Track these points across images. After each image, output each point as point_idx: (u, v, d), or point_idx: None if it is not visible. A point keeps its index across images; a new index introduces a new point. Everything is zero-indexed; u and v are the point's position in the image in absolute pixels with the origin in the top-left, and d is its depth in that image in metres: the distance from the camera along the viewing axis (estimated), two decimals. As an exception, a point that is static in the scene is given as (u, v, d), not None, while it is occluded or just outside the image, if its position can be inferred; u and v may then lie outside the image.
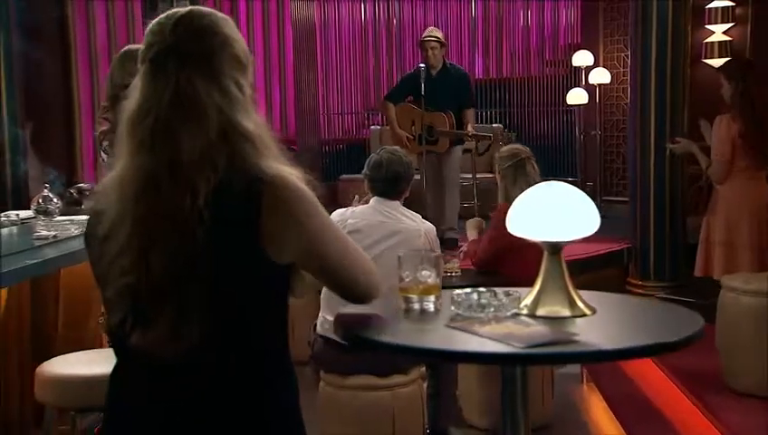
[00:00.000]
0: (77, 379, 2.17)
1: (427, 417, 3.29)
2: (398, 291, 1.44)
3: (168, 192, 1.26)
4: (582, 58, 8.02)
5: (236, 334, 1.28)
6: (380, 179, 3.28)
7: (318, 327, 3.29)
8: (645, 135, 5.77)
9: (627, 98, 7.99)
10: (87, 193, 3.91)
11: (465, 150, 6.30)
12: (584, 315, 1.33)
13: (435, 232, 3.33)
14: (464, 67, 7.32)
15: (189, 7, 1.37)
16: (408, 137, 6.07)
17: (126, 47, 3.15)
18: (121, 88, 3.06)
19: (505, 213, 3.59)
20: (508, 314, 1.35)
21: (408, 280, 1.40)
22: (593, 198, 6.52)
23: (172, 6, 4.90)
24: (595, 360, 1.33)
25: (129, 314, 1.29)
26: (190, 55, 1.30)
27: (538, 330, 1.25)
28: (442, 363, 3.38)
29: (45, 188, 3.78)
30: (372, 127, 9.17)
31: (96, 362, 2.26)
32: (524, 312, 1.37)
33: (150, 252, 1.26)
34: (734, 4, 6.51)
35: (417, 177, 6.49)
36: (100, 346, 3.21)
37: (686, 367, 4.01)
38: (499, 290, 1.41)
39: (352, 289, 1.40)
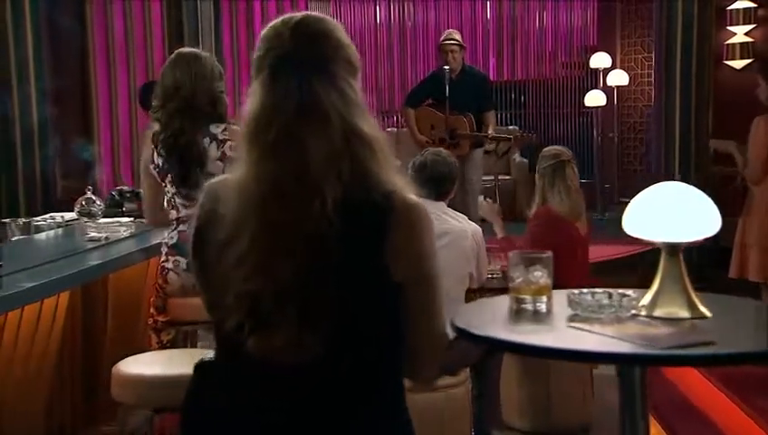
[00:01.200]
0: (156, 379, 2.18)
1: (471, 419, 3.29)
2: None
3: (296, 199, 1.25)
4: (600, 60, 8.04)
5: (354, 345, 1.28)
6: (424, 181, 3.28)
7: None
8: (669, 136, 5.80)
9: (645, 99, 8.01)
10: (128, 196, 3.93)
11: (486, 152, 6.32)
12: (703, 317, 1.33)
13: (481, 233, 3.34)
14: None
15: (304, 13, 1.37)
16: (426, 141, 6.08)
17: (179, 50, 3.15)
18: (173, 90, 3.09)
19: (545, 217, 3.66)
20: (627, 314, 1.35)
21: (518, 280, 1.41)
22: (610, 200, 6.55)
23: (196, 5, 4.92)
24: (738, 362, 1.30)
25: (248, 319, 1.28)
26: (309, 61, 1.30)
27: (671, 332, 1.26)
28: (487, 365, 3.38)
29: (88, 190, 3.80)
30: (388, 129, 9.19)
31: (172, 363, 2.28)
32: (643, 313, 1.38)
33: (276, 258, 1.25)
34: (756, 5, 6.53)
35: None
36: (149, 347, 3.22)
37: (725, 369, 4.01)
38: (613, 291, 1.42)
39: (433, 333, 1.34)
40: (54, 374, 2.76)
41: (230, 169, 1.36)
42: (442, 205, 3.30)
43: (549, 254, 1.42)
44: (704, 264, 5.59)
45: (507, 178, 7.92)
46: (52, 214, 3.70)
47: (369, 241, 1.26)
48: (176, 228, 3.07)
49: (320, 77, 1.30)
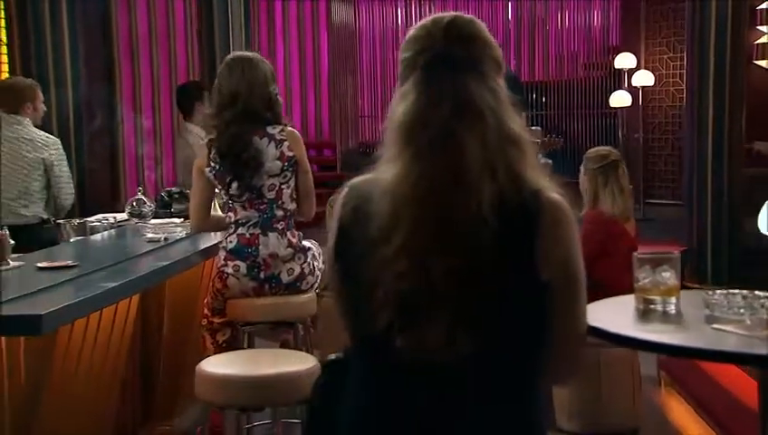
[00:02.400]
0: (243, 379, 2.19)
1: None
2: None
3: (453, 199, 1.26)
4: (625, 60, 8.03)
5: (502, 344, 1.29)
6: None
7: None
8: (702, 137, 5.78)
9: (670, 100, 8.01)
10: (176, 196, 3.93)
11: None
12: None
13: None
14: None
15: (453, 14, 1.38)
16: None
17: (232, 55, 3.15)
18: (229, 98, 3.08)
19: (597, 219, 3.65)
20: (766, 316, 1.35)
21: (646, 281, 1.41)
22: (636, 201, 6.52)
23: (227, 5, 4.91)
24: None
25: (399, 318, 1.28)
26: (463, 61, 1.32)
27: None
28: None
29: (139, 190, 3.81)
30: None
31: (258, 363, 2.29)
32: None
33: (430, 257, 1.25)
34: (786, 5, 6.53)
35: None
36: (204, 349, 3.23)
37: None
38: (748, 292, 1.41)
39: (575, 333, 1.34)
40: (124, 374, 2.77)
41: (377, 168, 1.35)
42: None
43: (677, 254, 1.42)
44: (738, 265, 5.61)
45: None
46: (104, 215, 3.70)
47: (520, 240, 1.26)
48: (234, 232, 3.07)
49: (473, 77, 1.31)
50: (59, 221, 3.42)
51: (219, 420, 3.27)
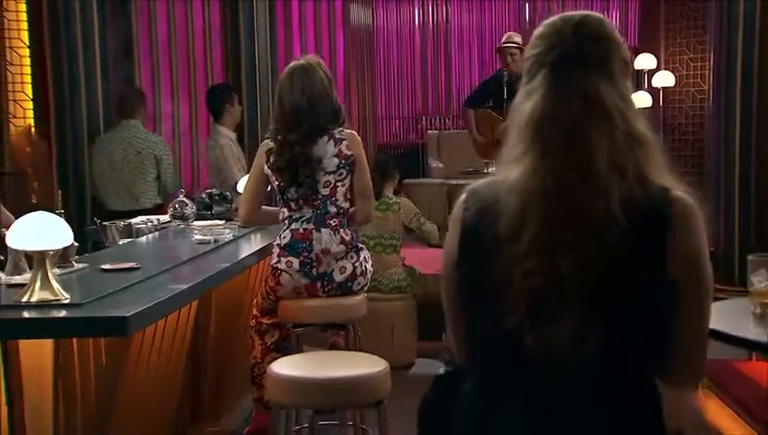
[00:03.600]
0: (316, 382, 2.19)
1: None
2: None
3: (582, 196, 1.26)
4: (645, 61, 8.02)
5: (628, 344, 1.28)
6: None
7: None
8: (729, 137, 5.77)
9: (690, 101, 8.00)
10: (216, 198, 3.93)
11: None
12: None
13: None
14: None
15: (584, 12, 1.37)
16: (482, 141, 6.10)
17: (292, 65, 3.13)
18: (293, 116, 3.03)
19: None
20: None
21: (762, 285, 1.40)
22: None
23: (252, 6, 4.92)
24: None
25: (528, 315, 1.27)
26: (592, 60, 1.31)
27: None
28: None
29: (181, 193, 3.81)
30: (429, 131, 9.19)
31: (328, 366, 2.29)
32: None
33: (559, 255, 1.25)
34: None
35: (451, 181, 6.64)
36: (251, 350, 3.22)
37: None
38: None
39: (700, 334, 1.32)
40: (183, 376, 2.76)
41: (500, 168, 1.35)
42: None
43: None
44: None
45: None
46: (148, 217, 3.70)
47: (650, 238, 1.26)
48: (288, 227, 3.08)
49: (602, 76, 1.31)
50: (104, 223, 3.41)
51: (266, 419, 3.28)
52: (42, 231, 1.97)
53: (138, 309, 1.91)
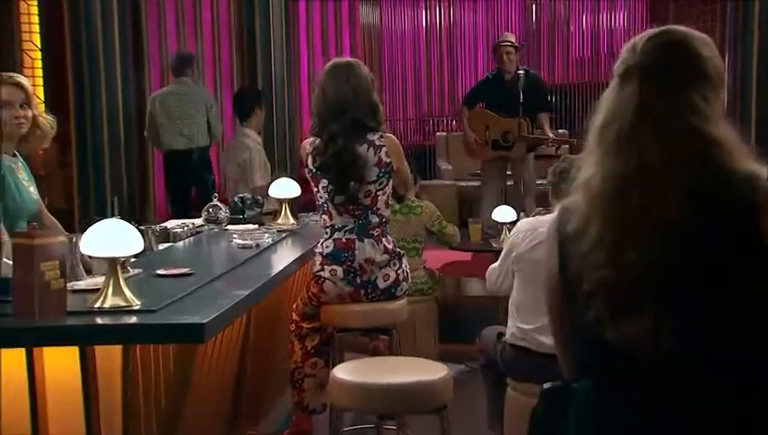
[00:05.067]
0: (380, 387, 2.21)
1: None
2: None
3: (638, 194, 1.32)
4: (654, 63, 8.09)
5: (709, 338, 1.30)
6: (569, 187, 3.30)
7: (507, 335, 3.30)
8: (744, 139, 5.82)
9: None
10: (248, 203, 3.94)
11: (538, 156, 6.33)
12: None
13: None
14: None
15: (665, 27, 1.42)
16: (476, 140, 6.10)
17: (334, 62, 3.15)
18: (336, 110, 3.03)
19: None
20: None
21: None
22: None
23: (269, 10, 4.92)
24: None
25: (605, 308, 1.32)
26: (656, 70, 1.36)
27: None
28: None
29: (214, 197, 3.82)
30: (438, 133, 9.21)
31: (391, 371, 2.31)
32: None
33: (624, 248, 1.31)
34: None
35: (477, 183, 6.66)
36: (291, 354, 3.24)
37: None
38: None
39: None
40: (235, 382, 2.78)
41: (577, 175, 1.41)
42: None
43: None
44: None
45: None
46: (183, 221, 3.71)
47: (733, 227, 1.29)
48: (330, 236, 3.08)
49: (666, 86, 1.36)
50: (140, 227, 3.41)
51: (305, 423, 3.30)
52: (113, 238, 1.99)
53: (213, 315, 1.92)
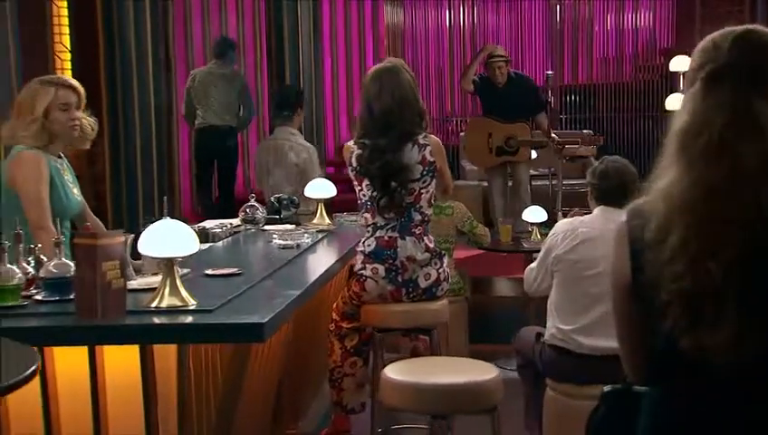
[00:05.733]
0: (432, 387, 2.22)
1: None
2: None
3: (730, 202, 1.28)
4: (681, 63, 8.02)
5: None
6: (608, 188, 3.29)
7: (546, 336, 3.30)
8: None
9: (725, 103, 8.00)
10: (285, 203, 3.96)
11: (571, 158, 6.38)
12: None
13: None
14: (549, 72, 7.41)
15: (746, 27, 1.37)
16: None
17: (377, 67, 3.16)
18: (382, 120, 3.00)
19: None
20: None
21: None
22: None
23: (297, 8, 4.94)
24: None
25: (682, 318, 1.29)
26: (747, 73, 1.32)
27: None
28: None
29: (251, 197, 3.85)
30: (461, 133, 9.20)
31: (441, 371, 2.32)
32: None
33: (708, 258, 1.27)
34: None
35: (485, 183, 6.70)
36: (331, 354, 3.25)
37: None
38: None
39: None
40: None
41: (653, 177, 1.39)
42: (623, 212, 3.31)
43: None
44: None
45: (582, 181, 7.90)
46: (221, 221, 3.74)
47: None
48: (372, 235, 3.10)
49: (758, 89, 1.31)
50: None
51: (344, 422, 3.32)
52: (170, 238, 2.01)
53: (271, 315, 1.94)
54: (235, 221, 3.74)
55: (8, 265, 1.97)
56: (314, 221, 3.74)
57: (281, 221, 3.84)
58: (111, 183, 5.25)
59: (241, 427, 2.22)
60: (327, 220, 3.77)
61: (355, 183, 3.12)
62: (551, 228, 3.75)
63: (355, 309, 3.17)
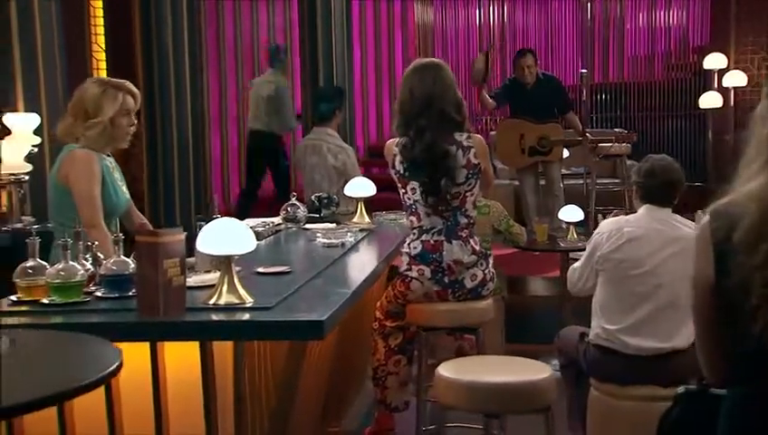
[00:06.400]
0: (488, 386, 2.22)
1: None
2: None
3: None
4: (715, 61, 7.95)
5: None
6: (654, 187, 3.26)
7: (591, 336, 3.28)
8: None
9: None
10: (325, 202, 3.98)
11: (604, 156, 6.37)
12: None
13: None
14: (583, 70, 7.36)
15: None
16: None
17: (421, 61, 3.16)
18: (425, 104, 3.04)
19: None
20: None
21: None
22: None
23: (331, 7, 4.93)
24: None
25: None
26: None
27: None
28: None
29: (293, 196, 3.86)
30: (491, 132, 9.18)
31: (497, 370, 2.31)
32: None
33: None
34: None
35: (515, 182, 6.69)
36: (374, 352, 3.26)
37: None
38: None
39: None
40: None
41: (736, 181, 1.38)
42: (669, 211, 3.28)
43: None
44: None
45: (616, 180, 7.88)
46: (263, 220, 3.75)
47: None
48: (418, 238, 3.09)
49: None
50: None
51: (388, 420, 3.32)
52: (227, 236, 2.02)
53: (329, 312, 1.95)
54: (277, 220, 3.76)
55: (71, 263, 2.00)
56: (354, 220, 3.75)
57: (321, 220, 3.85)
58: (149, 183, 5.29)
59: (295, 425, 2.23)
60: (367, 219, 3.78)
61: (399, 185, 3.10)
62: (585, 228, 3.74)
63: (400, 308, 3.16)
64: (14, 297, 2.04)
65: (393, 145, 3.11)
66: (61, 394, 1.18)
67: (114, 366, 1.32)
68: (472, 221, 3.11)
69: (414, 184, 3.04)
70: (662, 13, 9.33)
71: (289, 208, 3.74)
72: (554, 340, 3.52)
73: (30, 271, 2.01)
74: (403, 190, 3.10)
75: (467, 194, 3.07)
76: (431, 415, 3.17)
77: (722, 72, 7.88)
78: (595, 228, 3.35)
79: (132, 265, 2.09)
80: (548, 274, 5.71)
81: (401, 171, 3.07)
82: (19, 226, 3.61)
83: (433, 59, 3.20)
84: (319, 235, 3.31)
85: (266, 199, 6.92)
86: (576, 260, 5.29)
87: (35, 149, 3.74)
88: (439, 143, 2.99)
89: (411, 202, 3.09)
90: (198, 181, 5.49)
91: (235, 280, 2.04)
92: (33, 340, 1.58)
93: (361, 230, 3.58)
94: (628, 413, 3.12)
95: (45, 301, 1.99)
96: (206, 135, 7.40)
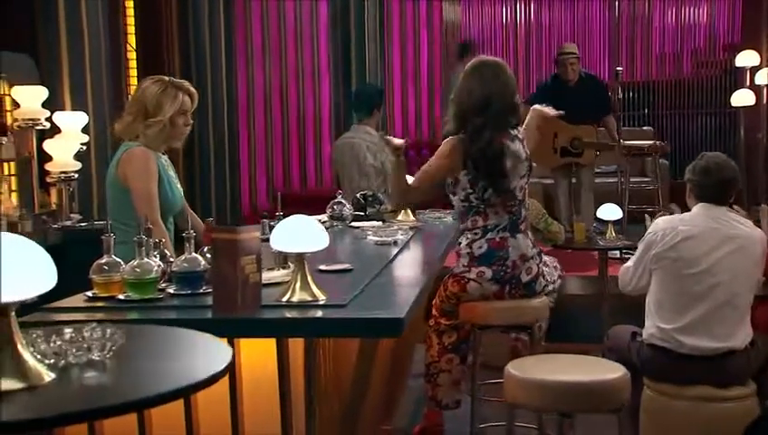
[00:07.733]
0: (560, 385, 2.20)
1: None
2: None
3: None
4: (747, 58, 7.87)
5: None
6: (710, 185, 3.22)
7: (645, 335, 3.24)
8: None
9: (793, 100, 7.82)
10: (370, 199, 3.96)
11: (634, 154, 6.36)
12: None
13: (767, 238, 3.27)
14: (609, 68, 7.35)
15: None
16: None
17: (480, 60, 3.15)
18: (484, 103, 3.01)
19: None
20: None
21: None
22: (754, 201, 6.33)
23: (364, 8, 4.96)
24: None
25: None
26: None
27: None
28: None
29: (338, 194, 3.85)
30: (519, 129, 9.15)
31: (569, 369, 2.29)
32: None
33: None
34: None
35: (545, 180, 6.64)
36: (428, 349, 3.24)
37: None
38: None
39: None
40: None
41: None
42: (724, 210, 3.25)
43: None
44: None
45: (646, 179, 7.83)
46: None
47: None
48: (482, 237, 3.07)
49: None
50: (272, 223, 3.46)
51: (437, 418, 3.30)
52: (300, 233, 2.02)
53: (406, 309, 1.94)
54: (323, 217, 3.74)
55: (145, 259, 2.00)
56: (400, 218, 3.74)
57: (366, 218, 3.84)
58: (185, 183, 5.31)
59: (364, 422, 2.22)
60: (412, 217, 3.77)
61: (467, 187, 3.05)
62: (620, 227, 3.70)
63: (453, 307, 3.15)
64: (89, 293, 2.04)
65: (459, 143, 3.07)
66: (190, 387, 1.18)
67: (229, 359, 1.32)
68: (526, 215, 3.12)
69: (483, 183, 3.02)
70: (690, 10, 9.27)
71: (335, 206, 3.73)
72: (604, 339, 3.49)
73: (105, 267, 2.01)
74: (470, 191, 3.06)
75: (526, 187, 3.09)
76: (480, 414, 3.15)
77: (754, 70, 7.79)
78: (629, 227, 3.33)
79: (203, 263, 2.08)
80: (584, 273, 5.67)
81: (470, 175, 3.03)
82: (68, 223, 3.63)
83: (494, 59, 3.18)
84: (369, 232, 3.30)
85: (301, 198, 6.91)
86: (614, 259, 5.29)
87: (84, 148, 3.76)
88: (497, 142, 2.98)
89: (477, 202, 3.06)
90: (235, 180, 5.51)
91: (309, 277, 2.04)
92: (146, 334, 1.59)
93: (411, 228, 3.57)
94: (682, 413, 3.09)
95: (121, 296, 1.99)
96: (235, 134, 7.44)
